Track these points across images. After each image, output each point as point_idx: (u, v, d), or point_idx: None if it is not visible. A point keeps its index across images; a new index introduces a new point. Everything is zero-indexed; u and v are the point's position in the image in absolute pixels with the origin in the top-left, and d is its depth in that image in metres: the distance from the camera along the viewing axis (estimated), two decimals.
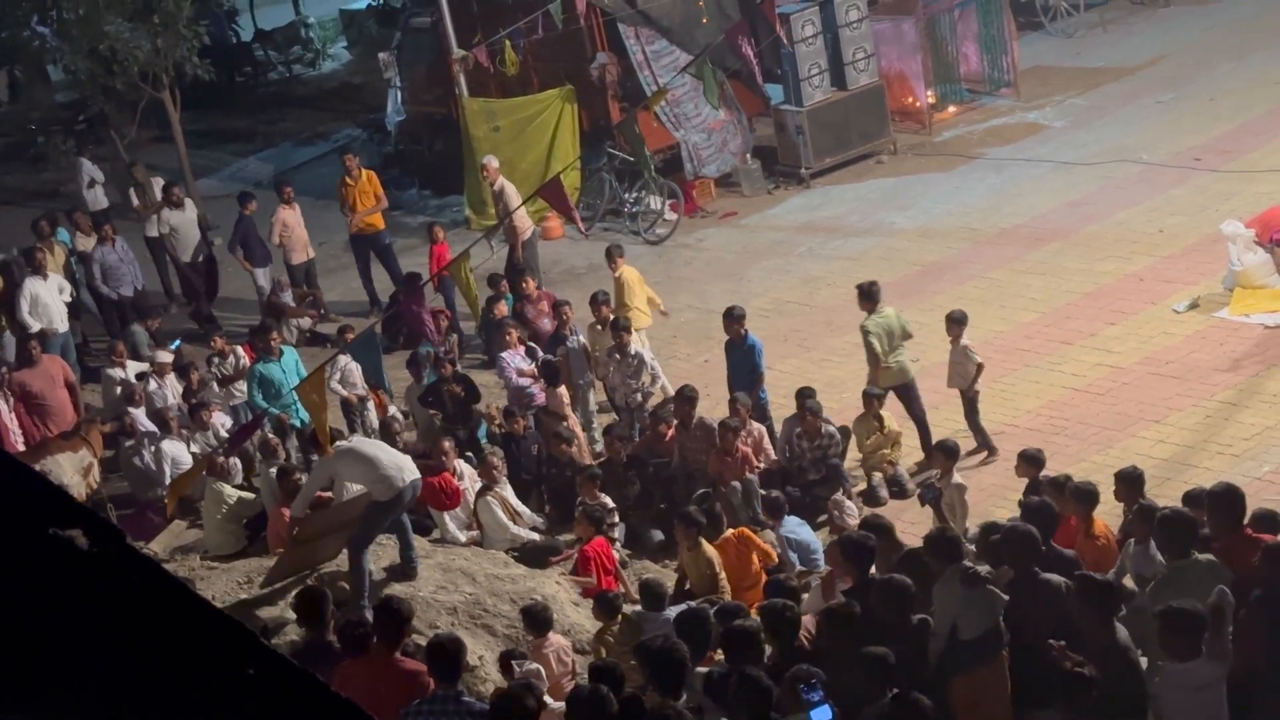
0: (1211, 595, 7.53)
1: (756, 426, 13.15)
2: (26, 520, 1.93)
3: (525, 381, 14.46)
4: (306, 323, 18.47)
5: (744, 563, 11.14)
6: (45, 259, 17.07)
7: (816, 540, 11.70)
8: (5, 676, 1.88)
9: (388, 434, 13.99)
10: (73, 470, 13.13)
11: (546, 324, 15.65)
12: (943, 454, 11.84)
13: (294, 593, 10.15)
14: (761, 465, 12.87)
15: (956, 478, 11.74)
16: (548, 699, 8.28)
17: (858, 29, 20.76)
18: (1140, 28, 24.98)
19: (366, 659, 8.29)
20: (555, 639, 9.75)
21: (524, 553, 12.08)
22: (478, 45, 20.42)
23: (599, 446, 14.16)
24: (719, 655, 8.48)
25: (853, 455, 13.22)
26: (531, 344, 15.09)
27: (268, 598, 10.76)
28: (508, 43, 19.90)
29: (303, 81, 32.89)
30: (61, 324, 16.85)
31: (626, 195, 20.36)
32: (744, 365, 13.75)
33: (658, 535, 12.68)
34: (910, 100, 22.11)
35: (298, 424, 14.33)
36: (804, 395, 13.12)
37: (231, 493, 12.96)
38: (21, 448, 13.97)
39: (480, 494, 12.55)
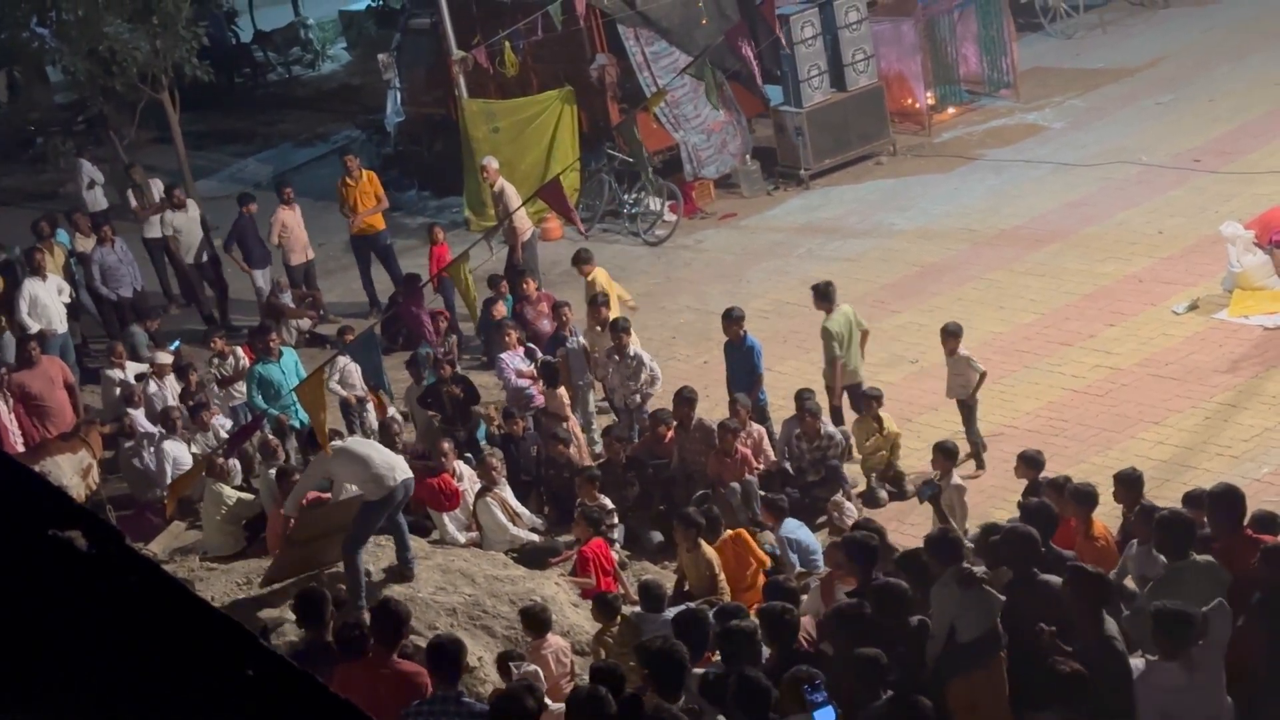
0: (1208, 605, 7.54)
1: (756, 428, 13.15)
2: (26, 521, 1.93)
3: (524, 383, 14.46)
4: (306, 324, 18.46)
5: (742, 564, 11.14)
6: (44, 260, 17.07)
7: (816, 542, 11.69)
8: (5, 677, 1.88)
9: (387, 435, 13.97)
10: (72, 471, 13.12)
11: (546, 325, 15.65)
12: (942, 455, 11.84)
13: (294, 594, 10.15)
14: (761, 466, 12.87)
15: (956, 479, 11.74)
16: (547, 700, 8.28)
17: (857, 30, 20.76)
18: (1139, 29, 24.99)
19: (364, 661, 8.29)
20: (554, 640, 9.75)
21: (523, 554, 12.08)
22: (477, 46, 20.42)
23: (598, 448, 14.16)
24: (717, 656, 8.48)
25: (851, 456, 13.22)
26: (530, 345, 15.09)
27: (268, 598, 10.76)
28: (507, 44, 19.89)
29: (302, 83, 32.87)
30: (61, 325, 16.85)
31: (626, 196, 20.36)
32: (743, 366, 13.75)
33: (657, 536, 12.68)
34: (910, 101, 22.11)
35: (297, 425, 14.33)
36: (803, 397, 13.13)
37: (231, 494, 12.95)
38: (21, 449, 13.96)
39: (479, 495, 12.55)
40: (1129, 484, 10.08)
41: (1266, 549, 8.20)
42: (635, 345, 14.30)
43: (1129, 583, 9.24)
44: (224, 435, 14.21)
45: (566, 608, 10.72)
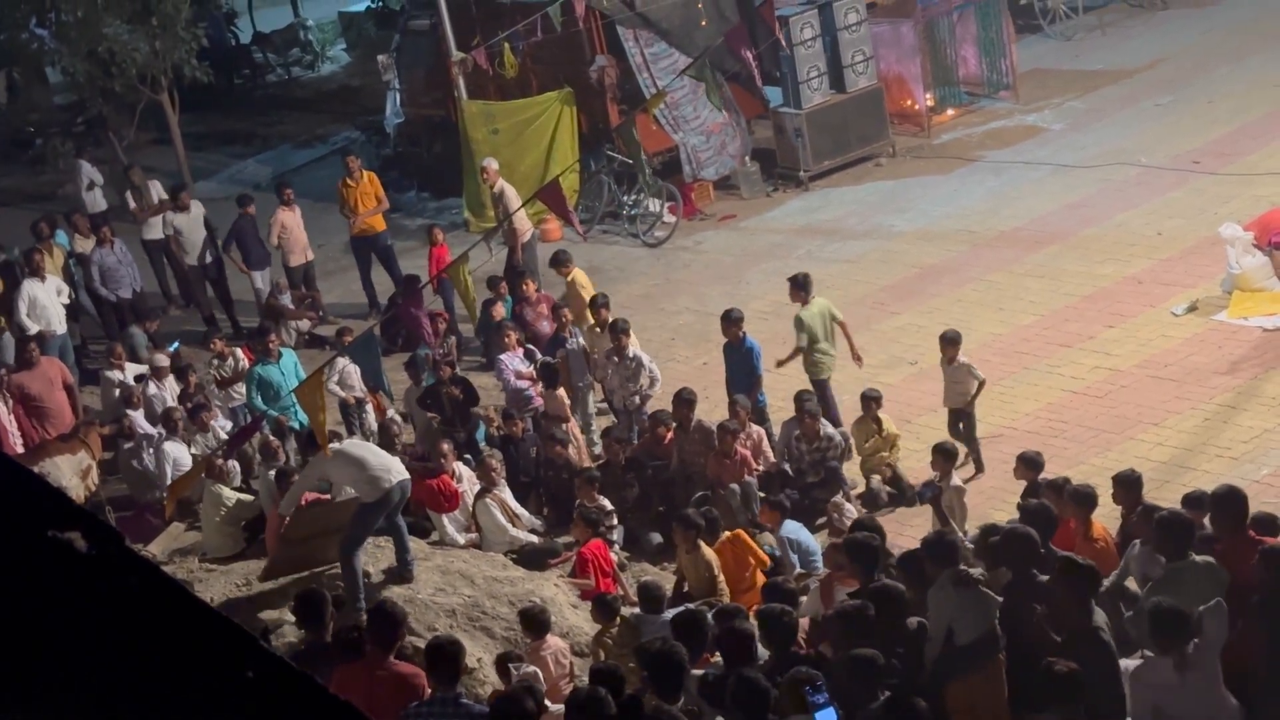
0: (1205, 605, 7.56)
1: (755, 429, 13.16)
2: (25, 522, 1.93)
3: (523, 384, 14.46)
4: (305, 325, 18.46)
5: (741, 565, 11.14)
6: (43, 261, 17.07)
7: (815, 543, 11.69)
8: (5, 677, 1.88)
9: (386, 436, 13.99)
10: (71, 472, 13.12)
11: (545, 326, 15.65)
12: (941, 456, 11.85)
13: (293, 595, 10.15)
14: (760, 468, 12.87)
15: (956, 480, 11.75)
16: (546, 701, 8.28)
17: (856, 32, 20.77)
18: (1139, 31, 24.99)
19: (361, 663, 8.29)
20: (553, 641, 9.75)
21: (522, 555, 12.08)
22: (476, 48, 20.42)
23: (598, 449, 14.16)
24: (716, 657, 8.48)
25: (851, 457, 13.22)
26: (530, 346, 15.09)
27: (268, 599, 10.76)
28: (507, 45, 19.90)
29: (301, 84, 32.87)
30: (60, 326, 16.85)
31: (625, 198, 20.37)
32: (742, 368, 13.75)
33: (656, 538, 12.68)
34: (909, 103, 22.11)
35: (296, 426, 14.33)
36: (802, 398, 13.13)
37: (230, 495, 12.95)
38: (20, 450, 13.96)
39: (479, 496, 12.55)
40: (1128, 485, 10.09)
41: (1265, 550, 8.22)
42: (634, 347, 14.30)
43: (1130, 584, 9.24)
44: (223, 436, 14.21)
45: (566, 609, 10.72)
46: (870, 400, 13.08)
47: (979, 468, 12.80)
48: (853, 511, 12.11)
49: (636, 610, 10.14)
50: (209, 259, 19.03)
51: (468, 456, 13.67)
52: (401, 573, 10.84)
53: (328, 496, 11.25)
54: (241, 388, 15.26)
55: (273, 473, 12.68)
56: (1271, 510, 9.45)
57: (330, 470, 10.84)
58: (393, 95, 24.07)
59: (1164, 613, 7.46)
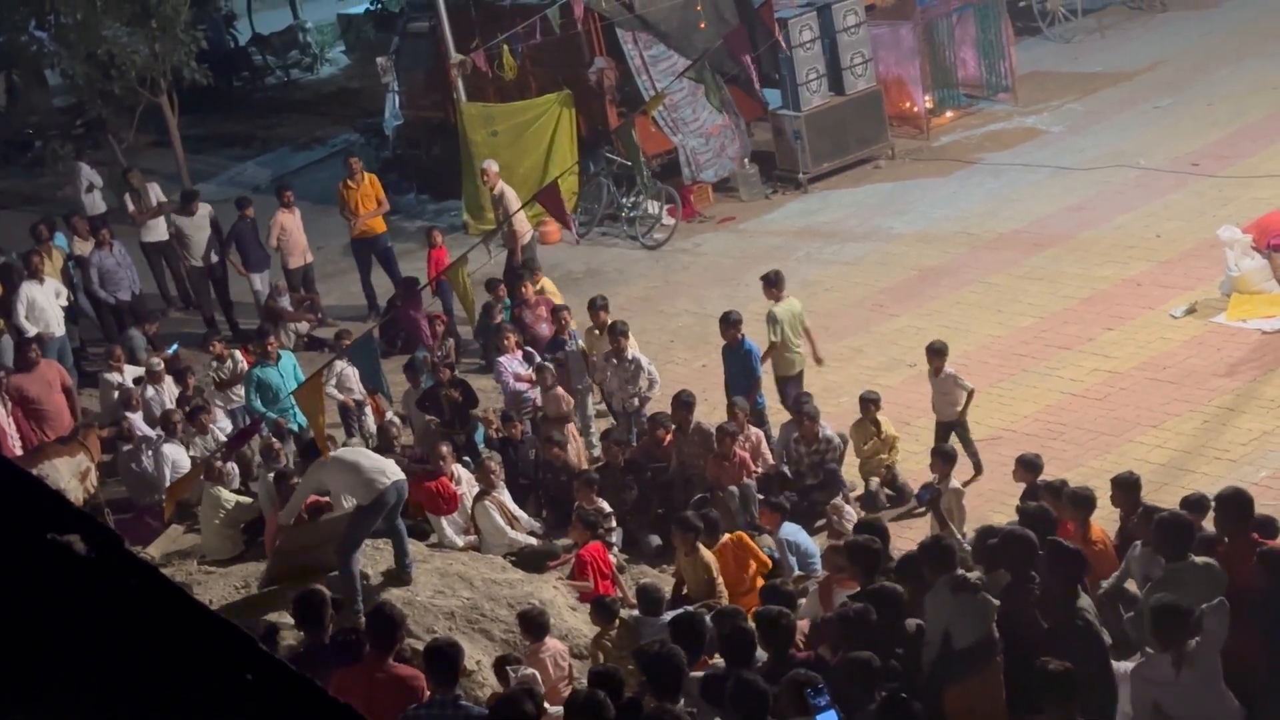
0: (1208, 603, 7.57)
1: (754, 431, 13.16)
2: (25, 525, 1.94)
3: (522, 386, 14.46)
4: (304, 327, 18.46)
5: (741, 568, 11.13)
6: (42, 263, 17.07)
7: (814, 545, 11.69)
8: (5, 678, 1.88)
9: (385, 438, 14.00)
10: (70, 475, 13.11)
11: (544, 329, 15.65)
12: (940, 458, 11.84)
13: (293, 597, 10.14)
14: (759, 470, 12.86)
15: (954, 483, 11.74)
16: (545, 704, 8.28)
17: (855, 34, 20.77)
18: (1138, 33, 25.00)
19: (360, 666, 8.28)
20: (552, 644, 9.75)
21: (521, 557, 12.07)
22: (475, 50, 20.43)
23: (596, 451, 14.16)
24: (714, 659, 8.47)
25: (850, 460, 13.21)
26: (529, 349, 15.09)
27: (269, 601, 10.76)
28: (506, 47, 19.91)
29: (300, 86, 32.89)
30: (58, 328, 16.85)
31: (624, 200, 20.37)
32: (741, 370, 13.76)
33: (655, 540, 12.68)
34: (908, 105, 22.12)
35: (295, 428, 14.33)
36: (801, 400, 13.13)
37: (229, 497, 12.94)
38: (19, 452, 13.96)
39: (478, 499, 12.54)
40: (1126, 488, 10.09)
41: (1263, 552, 8.23)
42: (633, 349, 14.30)
43: (1130, 585, 9.24)
44: (222, 439, 14.21)
45: (565, 611, 10.72)
46: (869, 402, 13.08)
47: (978, 470, 12.79)
48: (852, 514, 12.10)
49: (635, 612, 10.14)
50: (213, 259, 19.00)
51: (466, 459, 13.67)
52: (400, 575, 10.83)
53: (326, 499, 11.24)
54: (240, 390, 15.25)
55: (272, 475, 12.68)
56: (1270, 512, 9.45)
57: (326, 477, 10.84)
58: (392, 97, 24.08)
59: (1165, 609, 7.49)
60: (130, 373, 15.90)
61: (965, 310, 16.09)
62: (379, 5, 32.16)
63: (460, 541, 12.45)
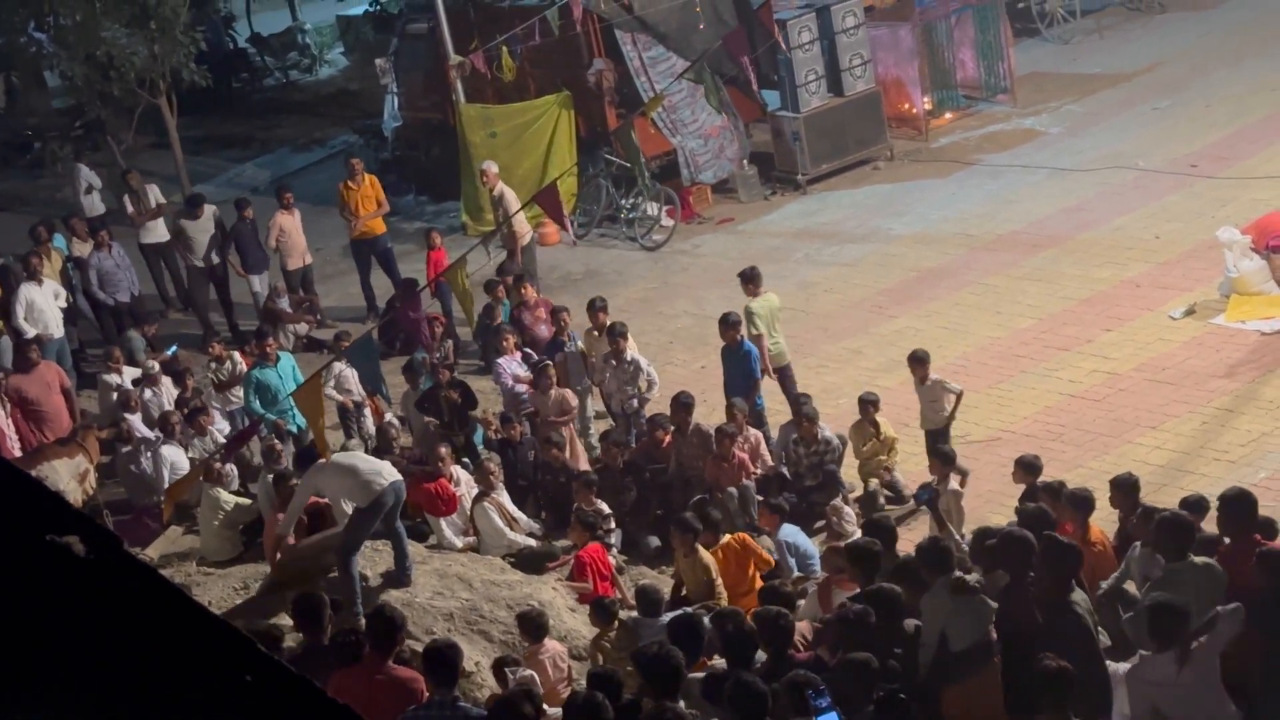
0: (1224, 606, 7.58)
1: (753, 432, 13.16)
2: (24, 526, 1.94)
3: (521, 388, 14.46)
4: (303, 328, 18.46)
5: (742, 569, 11.12)
6: (41, 265, 17.07)
7: (813, 547, 11.69)
8: (4, 679, 1.88)
9: (384, 439, 14.00)
10: (69, 476, 13.11)
11: (543, 330, 15.65)
12: (939, 460, 11.84)
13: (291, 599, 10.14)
14: (758, 471, 12.86)
15: (953, 484, 11.74)
16: (545, 705, 8.28)
17: (854, 35, 20.78)
18: (1136, 34, 25.01)
19: (359, 668, 8.29)
20: (551, 645, 9.75)
21: (520, 559, 12.07)
22: (474, 51, 20.44)
23: (595, 452, 14.16)
24: (712, 661, 8.47)
25: (849, 461, 13.21)
26: (528, 350, 15.09)
27: (269, 603, 10.76)
28: (505, 49, 19.91)
29: (299, 87, 32.89)
30: (57, 330, 16.85)
31: (623, 201, 20.37)
32: (740, 371, 13.76)
33: (654, 541, 12.68)
34: (907, 106, 22.13)
35: (294, 430, 14.33)
36: (800, 401, 13.13)
37: (228, 498, 12.94)
38: (18, 454, 13.95)
39: (477, 500, 12.54)
40: (1125, 489, 10.10)
41: (1262, 553, 8.23)
42: (632, 350, 14.30)
43: (1130, 586, 9.24)
44: (221, 440, 14.20)
45: (564, 612, 10.72)
46: (868, 404, 13.07)
47: (962, 472, 12.67)
48: (851, 515, 12.11)
49: (634, 614, 10.14)
50: (215, 259, 18.98)
51: (465, 460, 13.67)
52: (400, 578, 10.83)
53: (325, 501, 11.22)
54: (239, 391, 15.25)
55: (271, 477, 12.68)
56: (1269, 513, 9.45)
57: (322, 483, 10.82)
58: (390, 99, 24.09)
59: (1161, 609, 7.50)
60: (129, 374, 15.90)
61: (964, 311, 16.10)
62: (378, 7, 32.18)
63: (459, 543, 12.45)
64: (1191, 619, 7.42)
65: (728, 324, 13.80)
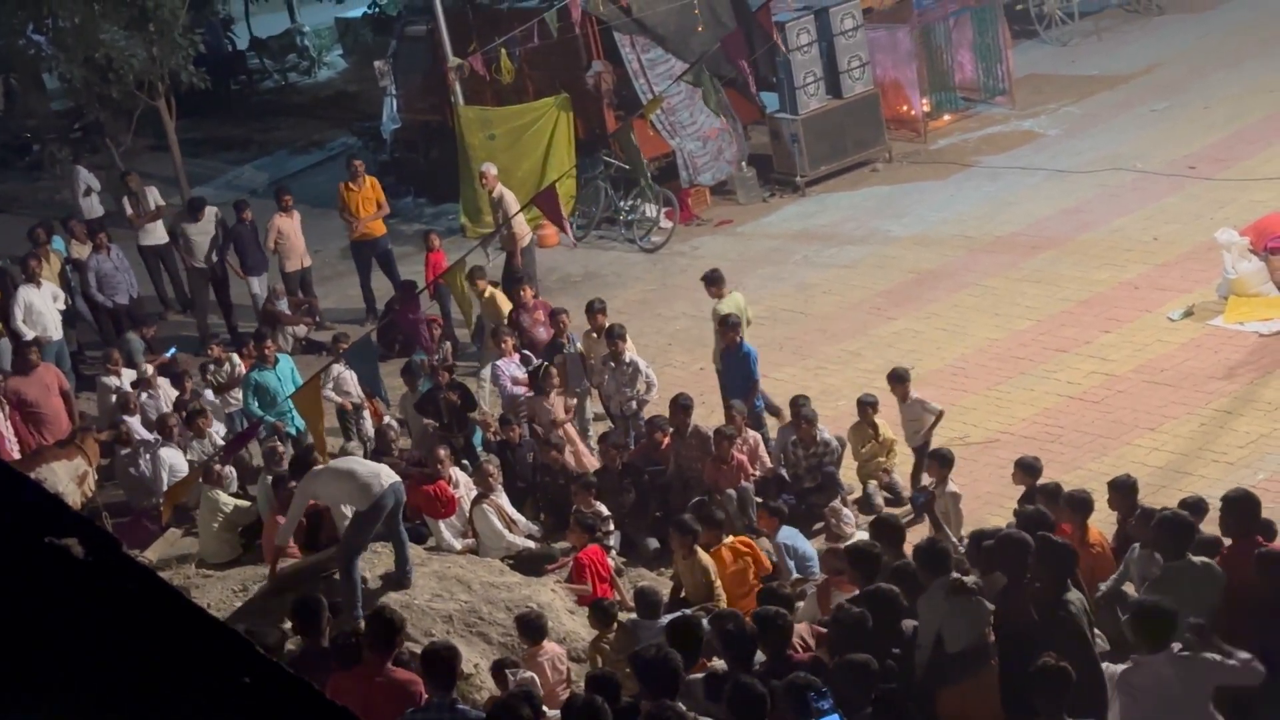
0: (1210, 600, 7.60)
1: (752, 434, 13.15)
2: (23, 528, 1.94)
3: (520, 390, 14.46)
4: (302, 330, 18.46)
5: (742, 571, 11.10)
6: (40, 267, 17.08)
7: (811, 549, 11.68)
8: (4, 680, 1.88)
9: (383, 441, 14.00)
10: (68, 478, 13.11)
11: (542, 333, 15.64)
12: (937, 462, 11.83)
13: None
14: (757, 473, 12.86)
15: (952, 486, 11.73)
16: (544, 708, 8.28)
17: (853, 37, 20.79)
18: (1135, 36, 25.02)
19: (359, 670, 8.29)
20: (550, 647, 9.75)
21: (519, 561, 12.07)
22: (473, 53, 20.45)
23: (594, 454, 14.15)
24: (712, 663, 8.47)
25: (848, 463, 13.21)
26: (526, 352, 15.08)
27: (270, 605, 10.75)
28: (503, 51, 19.92)
29: (298, 89, 32.90)
30: (56, 332, 16.85)
31: (622, 203, 20.38)
32: (739, 373, 13.76)
33: (653, 543, 12.67)
34: (905, 108, 22.14)
35: (293, 432, 14.33)
36: (799, 403, 13.13)
37: (228, 501, 12.94)
38: (17, 456, 13.95)
39: (476, 502, 12.54)
40: (1123, 490, 10.10)
41: (1260, 554, 8.23)
42: (631, 352, 14.30)
43: (1129, 588, 9.24)
44: (220, 442, 14.20)
45: (563, 614, 10.72)
46: (867, 405, 13.06)
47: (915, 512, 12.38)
48: (850, 516, 12.10)
49: (633, 615, 10.14)
50: (214, 259, 18.97)
51: (464, 462, 13.67)
52: (400, 580, 10.82)
53: (325, 504, 11.21)
54: (238, 393, 15.25)
55: (270, 479, 12.68)
56: (1269, 515, 9.45)
57: (320, 489, 10.79)
58: (389, 101, 24.09)
59: (1147, 610, 7.50)
60: (128, 376, 15.90)
61: (963, 313, 16.10)
62: (376, 9, 32.17)
63: (458, 545, 12.45)
64: (1180, 620, 7.40)
65: (727, 325, 13.80)
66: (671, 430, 13.25)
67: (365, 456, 13.26)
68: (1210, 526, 9.11)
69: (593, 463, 13.69)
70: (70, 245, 18.95)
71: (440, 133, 22.71)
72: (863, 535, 10.81)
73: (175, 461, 13.81)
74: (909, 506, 12.62)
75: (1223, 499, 8.88)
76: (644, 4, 20.86)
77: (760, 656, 8.23)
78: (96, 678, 1.90)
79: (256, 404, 14.59)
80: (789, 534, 11.65)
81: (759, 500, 12.48)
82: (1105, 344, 14.73)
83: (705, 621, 8.80)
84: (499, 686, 9.23)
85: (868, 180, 20.94)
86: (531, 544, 12.47)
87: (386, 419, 14.92)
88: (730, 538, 11.33)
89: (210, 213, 19.03)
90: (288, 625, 9.98)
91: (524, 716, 7.16)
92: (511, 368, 14.62)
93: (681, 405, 13.29)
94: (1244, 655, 7.37)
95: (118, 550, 1.97)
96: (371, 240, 18.92)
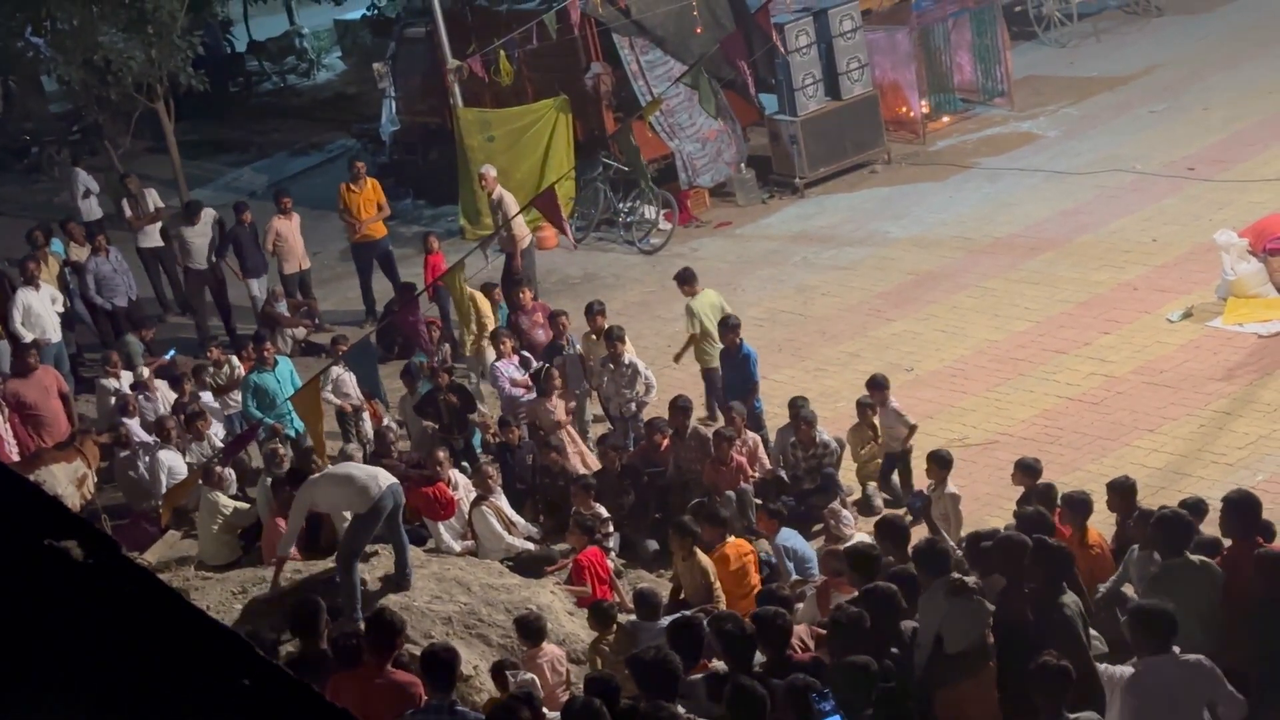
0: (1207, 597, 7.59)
1: (751, 436, 13.15)
2: (22, 530, 1.93)
3: (518, 391, 14.46)
4: (301, 332, 18.46)
5: (743, 573, 11.09)
6: (39, 269, 17.07)
7: (811, 550, 11.67)
8: (4, 681, 1.88)
9: (383, 443, 13.99)
10: (67, 481, 13.10)
11: (541, 335, 15.64)
12: (936, 464, 11.82)
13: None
14: (756, 475, 12.86)
15: (951, 488, 11.72)
16: (543, 709, 8.27)
17: (852, 39, 20.79)
18: (1133, 37, 25.03)
19: (358, 671, 8.28)
20: (549, 649, 9.74)
21: (519, 562, 12.07)
22: (472, 55, 20.44)
23: (594, 456, 14.14)
24: (712, 664, 8.47)
25: (847, 464, 13.21)
26: (525, 353, 15.08)
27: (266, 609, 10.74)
28: (502, 53, 19.91)
29: (297, 92, 32.90)
30: (54, 334, 16.85)
31: (621, 205, 20.38)
32: (739, 375, 13.77)
33: (652, 545, 12.67)
34: (904, 110, 22.14)
35: (292, 434, 14.32)
36: (798, 404, 13.12)
37: (227, 503, 12.94)
38: (16, 458, 13.94)
39: (475, 504, 12.53)
40: (1122, 492, 10.10)
41: (1259, 555, 8.22)
42: (630, 354, 14.30)
43: (1128, 589, 9.24)
44: (219, 444, 14.20)
45: (562, 616, 10.71)
46: (866, 407, 13.07)
47: (913, 516, 12.01)
48: (849, 518, 12.07)
49: (633, 617, 10.13)
50: (214, 259, 18.95)
51: (464, 464, 13.67)
52: (399, 582, 10.81)
53: (325, 511, 11.19)
54: (237, 395, 15.25)
55: (270, 481, 12.67)
56: (1268, 516, 9.45)
57: (318, 496, 10.76)
58: (388, 103, 24.08)
59: (1146, 612, 7.49)
60: (127, 379, 15.89)
61: (962, 315, 16.10)
62: (375, 11, 32.18)
63: (457, 547, 12.44)
64: (1178, 621, 7.39)
65: (727, 327, 13.81)
66: (671, 432, 13.25)
67: (365, 458, 13.26)
68: (1210, 528, 9.12)
69: (592, 464, 13.68)
70: (69, 248, 18.94)
71: (439, 135, 22.71)
72: (862, 537, 10.82)
73: (174, 464, 13.81)
74: (905, 509, 12.61)
75: (1223, 500, 8.88)
76: (643, 6, 20.87)
77: (760, 658, 8.23)
78: (96, 680, 1.89)
79: (255, 406, 14.59)
80: (788, 536, 11.64)
81: (758, 502, 12.48)
82: (1104, 345, 14.73)
83: (705, 623, 8.80)
84: (498, 688, 9.23)
85: (867, 182, 20.95)
86: (531, 546, 12.46)
87: (386, 421, 14.91)
88: (732, 538, 11.32)
89: (207, 215, 19.00)
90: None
91: (523, 718, 7.15)
92: (510, 369, 14.62)
93: (680, 407, 13.29)
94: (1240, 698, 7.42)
95: (117, 552, 1.97)
96: (372, 242, 18.93)
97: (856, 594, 8.90)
